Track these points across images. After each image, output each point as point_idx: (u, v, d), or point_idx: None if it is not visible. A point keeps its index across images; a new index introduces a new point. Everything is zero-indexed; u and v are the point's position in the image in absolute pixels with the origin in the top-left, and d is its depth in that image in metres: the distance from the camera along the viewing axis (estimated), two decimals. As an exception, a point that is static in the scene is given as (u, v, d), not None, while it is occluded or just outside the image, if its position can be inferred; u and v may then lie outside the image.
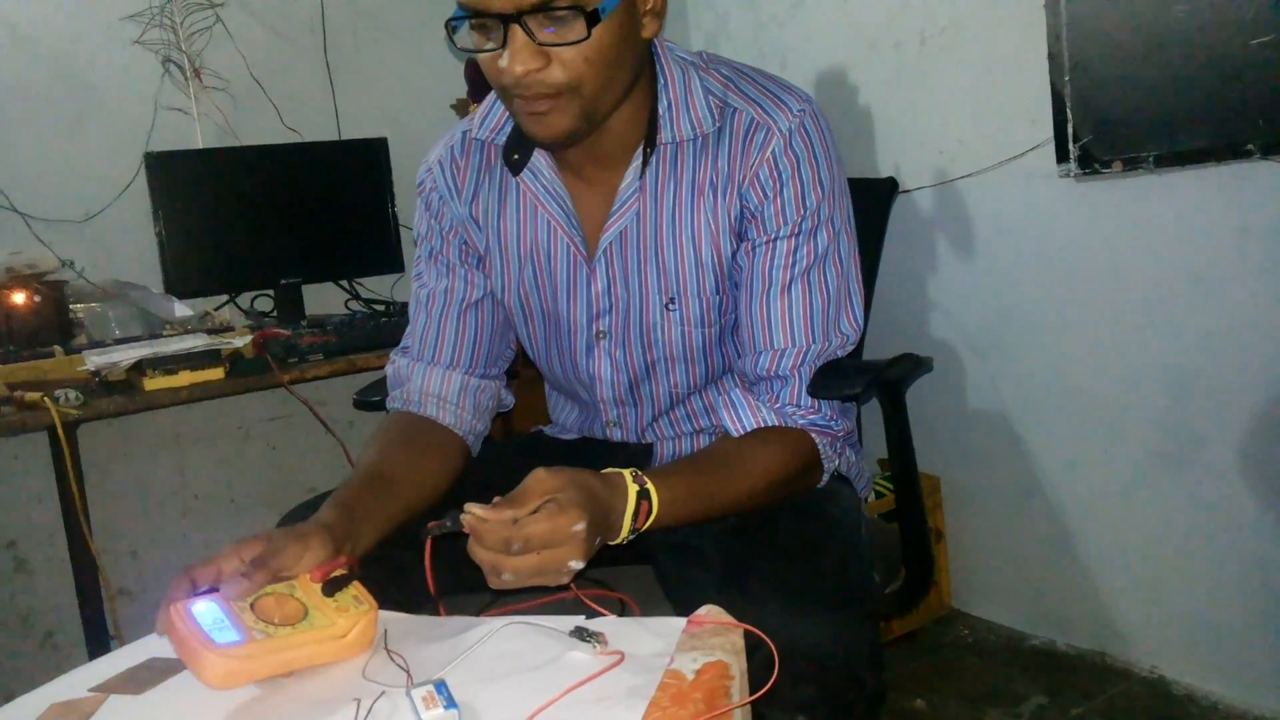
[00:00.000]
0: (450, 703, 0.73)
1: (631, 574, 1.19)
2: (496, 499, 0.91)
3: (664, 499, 1.00)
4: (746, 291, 1.18)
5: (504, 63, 1.02)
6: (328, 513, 1.03)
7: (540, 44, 1.01)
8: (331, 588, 0.88)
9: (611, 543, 0.98)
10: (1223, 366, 1.85)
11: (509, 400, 1.39)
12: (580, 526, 0.89)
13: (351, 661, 0.85)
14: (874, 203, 1.75)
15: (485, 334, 1.32)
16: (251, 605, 0.84)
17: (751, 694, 0.78)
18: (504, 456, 1.41)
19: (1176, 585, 2.00)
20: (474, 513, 0.89)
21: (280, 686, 0.82)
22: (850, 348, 1.20)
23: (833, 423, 1.17)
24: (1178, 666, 2.03)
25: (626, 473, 1.00)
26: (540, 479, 0.91)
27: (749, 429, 1.15)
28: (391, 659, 0.83)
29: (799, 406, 1.15)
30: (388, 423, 1.28)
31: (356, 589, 0.89)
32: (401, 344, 1.35)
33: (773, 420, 1.15)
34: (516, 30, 1.00)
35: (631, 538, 1.00)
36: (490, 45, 1.03)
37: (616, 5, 1.02)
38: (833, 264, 1.17)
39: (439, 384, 1.29)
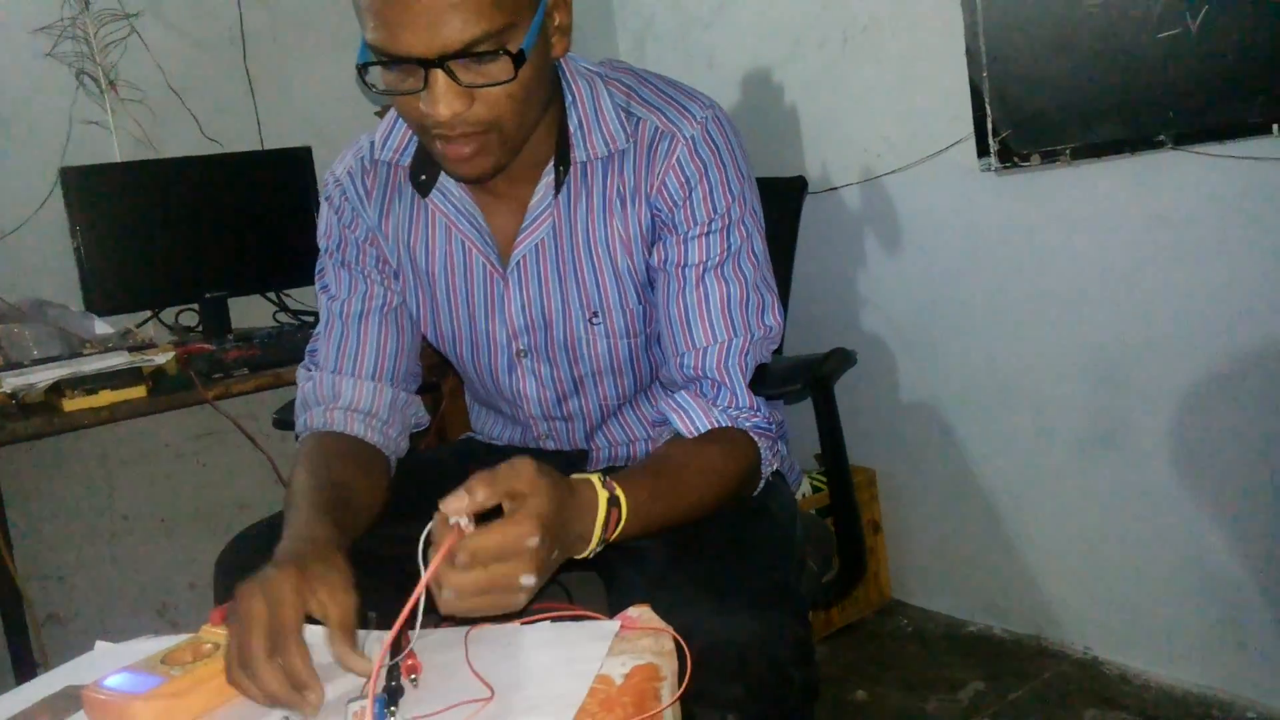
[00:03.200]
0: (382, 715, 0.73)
1: (581, 580, 1.19)
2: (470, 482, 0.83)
3: (632, 506, 0.96)
4: (663, 294, 1.16)
5: (426, 106, 0.98)
6: (322, 546, 0.92)
7: (466, 86, 0.97)
8: None
9: (579, 556, 0.93)
10: (1144, 353, 1.90)
11: (426, 419, 1.34)
12: (534, 541, 0.82)
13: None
14: (784, 202, 1.77)
15: (406, 344, 1.28)
16: (161, 660, 0.82)
17: (682, 693, 0.78)
18: (439, 463, 1.39)
19: (1107, 568, 2.04)
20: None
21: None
22: (775, 343, 1.18)
23: (770, 425, 1.15)
24: (1110, 647, 2.08)
25: (595, 479, 0.95)
26: (516, 472, 0.84)
27: (703, 430, 1.11)
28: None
29: (740, 409, 1.12)
30: (313, 445, 1.18)
31: None
32: (310, 358, 1.28)
33: (724, 422, 1.11)
34: (439, 74, 0.96)
35: (599, 549, 0.95)
36: (408, 86, 0.99)
37: (536, 40, 1.00)
38: (747, 259, 1.16)
39: (370, 399, 1.22)
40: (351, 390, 1.22)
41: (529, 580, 0.82)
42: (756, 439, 1.13)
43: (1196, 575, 1.90)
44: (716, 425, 1.11)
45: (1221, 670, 1.89)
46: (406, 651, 0.79)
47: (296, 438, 1.24)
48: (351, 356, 1.24)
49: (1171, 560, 1.93)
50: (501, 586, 0.82)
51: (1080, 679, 2.04)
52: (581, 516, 0.92)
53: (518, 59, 0.97)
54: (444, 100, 0.97)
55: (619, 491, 0.95)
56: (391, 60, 0.97)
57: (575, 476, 0.94)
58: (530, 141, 1.11)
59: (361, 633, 0.87)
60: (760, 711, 0.87)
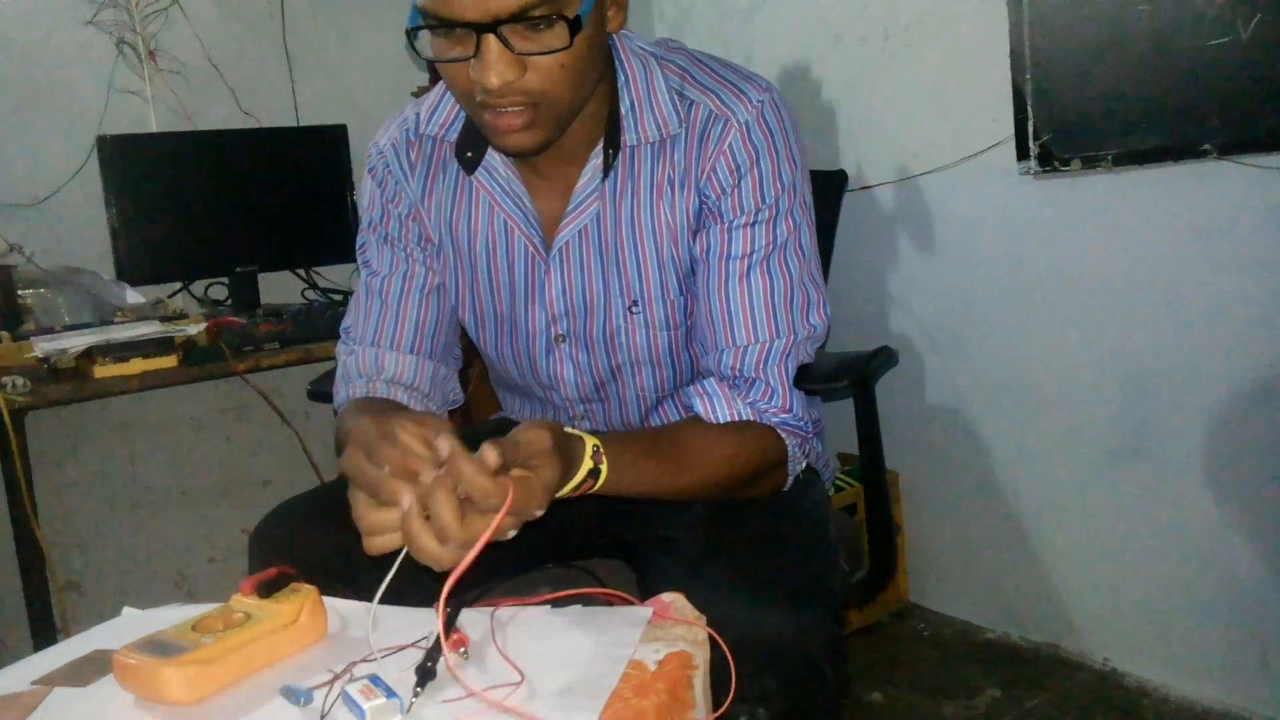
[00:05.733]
0: (390, 693, 0.72)
1: (611, 567, 1.18)
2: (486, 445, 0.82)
3: (610, 480, 0.95)
4: (704, 285, 1.13)
5: (476, 74, 0.95)
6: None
7: (518, 54, 0.94)
8: (267, 590, 0.85)
9: (578, 471, 0.93)
10: (1178, 364, 1.88)
11: (461, 396, 1.32)
12: (539, 511, 0.83)
13: (306, 654, 0.83)
14: (824, 196, 1.74)
15: (445, 321, 1.26)
16: (193, 627, 0.82)
17: (718, 680, 0.77)
18: (474, 441, 1.38)
19: (1130, 579, 2.02)
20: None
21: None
22: (819, 341, 1.16)
23: (803, 423, 1.13)
24: (1130, 659, 2.06)
25: (590, 442, 0.93)
26: (532, 441, 0.84)
27: (724, 420, 1.10)
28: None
29: (772, 405, 1.11)
30: (356, 403, 1.17)
31: (294, 585, 0.87)
32: (346, 333, 1.27)
33: (747, 415, 1.10)
34: (491, 40, 0.93)
35: (593, 480, 0.95)
36: (458, 53, 0.96)
37: (592, 8, 0.97)
38: (794, 253, 1.13)
39: (412, 373, 1.21)
40: (394, 364, 1.21)
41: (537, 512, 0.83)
42: (785, 436, 1.12)
43: (1221, 590, 1.88)
44: (739, 418, 1.10)
45: (1243, 687, 1.87)
46: (453, 627, 0.79)
47: (335, 412, 1.23)
48: (391, 332, 1.22)
49: (1196, 574, 1.91)
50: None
51: (1099, 690, 2.03)
52: (571, 471, 0.91)
53: (574, 25, 0.94)
54: (495, 68, 0.94)
55: (603, 466, 0.94)
56: (442, 24, 0.94)
57: (571, 432, 0.93)
58: (580, 121, 1.09)
59: (386, 608, 0.86)
60: (793, 706, 0.86)
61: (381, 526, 0.82)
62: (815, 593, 0.98)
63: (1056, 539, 2.15)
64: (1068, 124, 1.93)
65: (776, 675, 0.86)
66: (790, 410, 1.12)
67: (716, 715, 0.77)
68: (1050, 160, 1.97)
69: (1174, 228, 1.84)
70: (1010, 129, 2.02)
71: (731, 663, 0.78)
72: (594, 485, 0.94)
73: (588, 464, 0.93)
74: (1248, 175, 1.71)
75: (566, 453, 0.88)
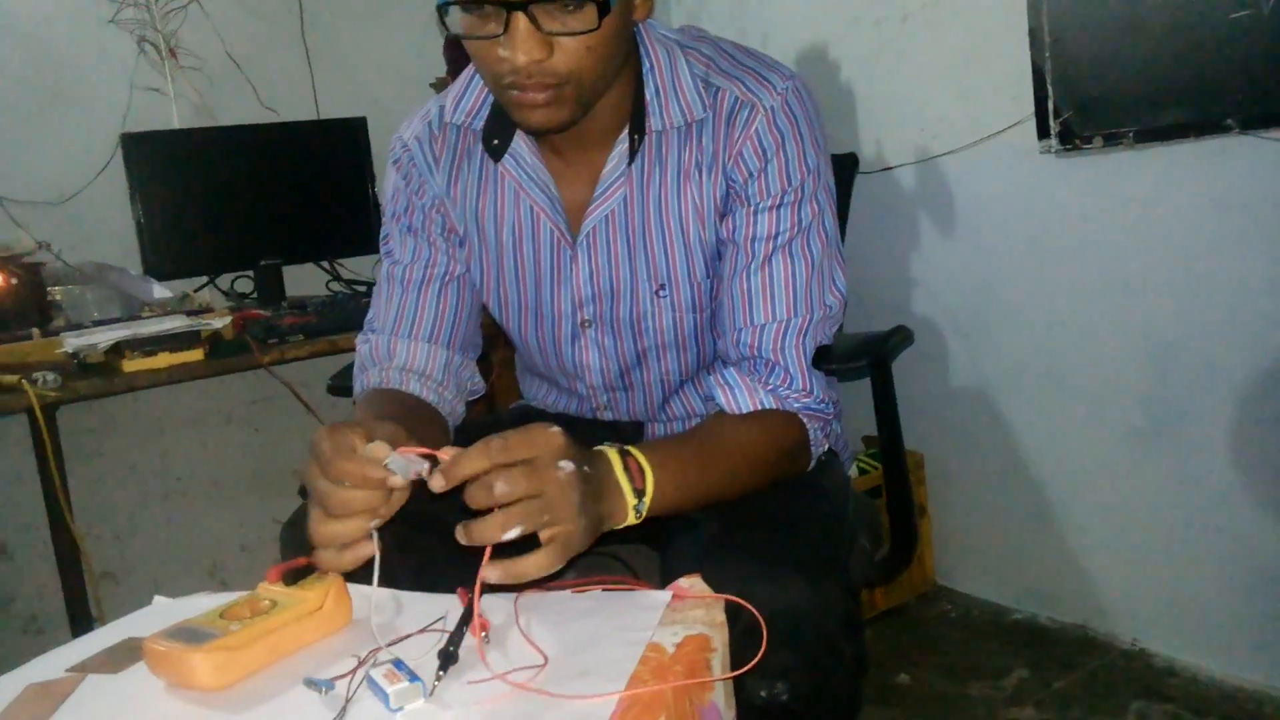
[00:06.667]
0: (414, 676, 0.73)
1: (634, 551, 1.19)
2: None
3: (657, 479, 0.95)
4: (729, 267, 1.15)
5: (505, 51, 0.97)
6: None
7: (546, 33, 0.96)
8: (293, 578, 0.87)
9: (623, 522, 0.93)
10: (1203, 341, 1.86)
11: (481, 385, 1.34)
12: (556, 429, 0.85)
13: (331, 640, 0.85)
14: (836, 179, 1.74)
15: (465, 311, 1.27)
16: (221, 615, 0.83)
17: (734, 662, 0.78)
18: (496, 428, 1.39)
19: (1157, 559, 2.02)
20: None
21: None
22: (837, 322, 1.17)
23: (824, 406, 1.13)
24: (1159, 639, 2.05)
25: (610, 451, 0.94)
26: (544, 431, 0.86)
27: (745, 411, 1.10)
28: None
29: (793, 390, 1.11)
30: (370, 394, 1.20)
31: (319, 572, 0.88)
32: (368, 324, 1.28)
33: (769, 403, 1.10)
34: (521, 18, 0.95)
35: (638, 517, 0.94)
36: (487, 31, 0.97)
37: None
38: (817, 235, 1.14)
39: (424, 359, 1.22)
40: (406, 351, 1.23)
41: (566, 464, 0.84)
42: (805, 420, 1.12)
43: (1249, 568, 1.86)
44: (761, 406, 1.10)
45: (1273, 666, 1.86)
46: (476, 612, 0.80)
47: (354, 403, 1.25)
48: (409, 320, 1.24)
49: (1224, 552, 1.90)
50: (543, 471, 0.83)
51: (1127, 670, 2.02)
52: (609, 488, 0.91)
53: (602, 8, 0.96)
54: (523, 46, 0.96)
55: (642, 460, 0.94)
56: (473, 1, 0.96)
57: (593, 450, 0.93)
58: (604, 107, 1.11)
59: (409, 594, 0.89)
60: (811, 682, 0.87)
61: (331, 539, 0.86)
62: (831, 570, 0.98)
63: (1083, 519, 2.15)
64: (1088, 101, 1.91)
65: (793, 650, 0.87)
66: (810, 393, 1.12)
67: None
68: (1071, 138, 1.95)
69: (1197, 204, 1.83)
70: (1030, 108, 2.01)
71: (765, 634, 0.79)
72: (640, 469, 0.94)
73: (612, 455, 0.93)
74: (1271, 150, 1.69)
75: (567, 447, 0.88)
